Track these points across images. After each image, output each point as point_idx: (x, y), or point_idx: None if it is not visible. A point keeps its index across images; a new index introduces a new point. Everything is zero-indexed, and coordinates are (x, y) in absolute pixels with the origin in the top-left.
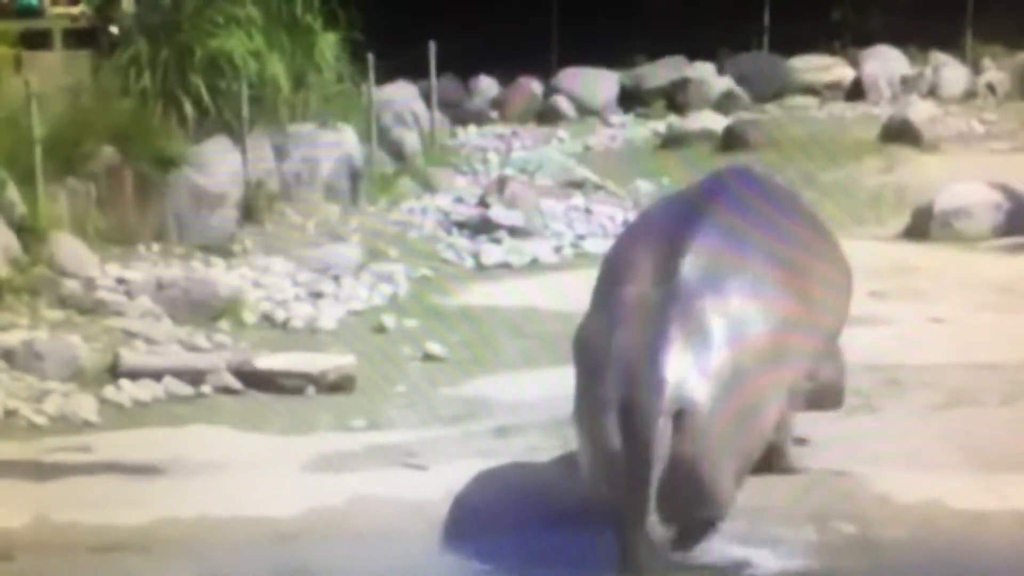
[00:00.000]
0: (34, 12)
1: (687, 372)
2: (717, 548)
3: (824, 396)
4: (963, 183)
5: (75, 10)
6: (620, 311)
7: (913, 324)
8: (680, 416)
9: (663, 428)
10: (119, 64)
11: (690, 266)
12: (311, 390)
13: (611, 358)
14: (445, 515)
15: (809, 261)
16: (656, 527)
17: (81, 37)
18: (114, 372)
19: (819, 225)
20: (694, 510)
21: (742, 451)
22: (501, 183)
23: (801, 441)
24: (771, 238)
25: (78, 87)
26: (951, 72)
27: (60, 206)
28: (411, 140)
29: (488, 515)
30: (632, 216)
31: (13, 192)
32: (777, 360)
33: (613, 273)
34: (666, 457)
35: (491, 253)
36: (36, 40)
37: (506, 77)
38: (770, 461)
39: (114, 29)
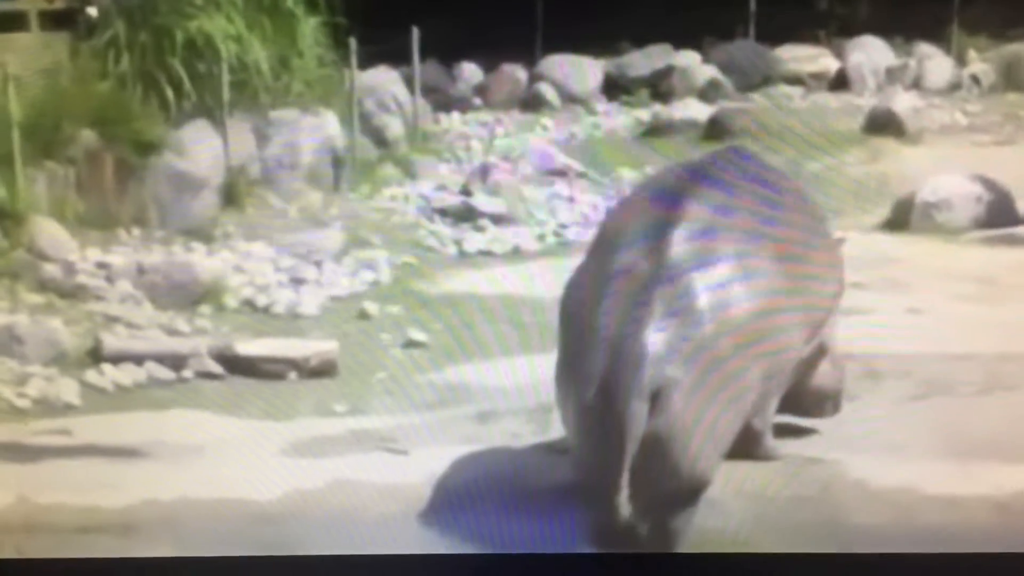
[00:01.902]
0: None
1: (669, 349)
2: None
3: (823, 402)
4: (945, 175)
5: None
6: (609, 279)
7: (892, 314)
8: (659, 393)
9: (641, 404)
10: (97, 47)
11: (679, 243)
12: (293, 375)
13: (595, 329)
14: (425, 498)
15: (799, 243)
16: (626, 503)
17: (58, 19)
18: (96, 356)
19: (811, 208)
20: (671, 486)
21: (720, 429)
22: (484, 170)
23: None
24: (762, 217)
25: (56, 70)
26: (936, 63)
27: (39, 190)
28: (394, 126)
29: (467, 498)
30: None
31: None
32: (760, 341)
33: (605, 240)
34: (643, 433)
35: (473, 240)
36: (11, 22)
37: (490, 63)
38: (749, 448)
39: (92, 11)
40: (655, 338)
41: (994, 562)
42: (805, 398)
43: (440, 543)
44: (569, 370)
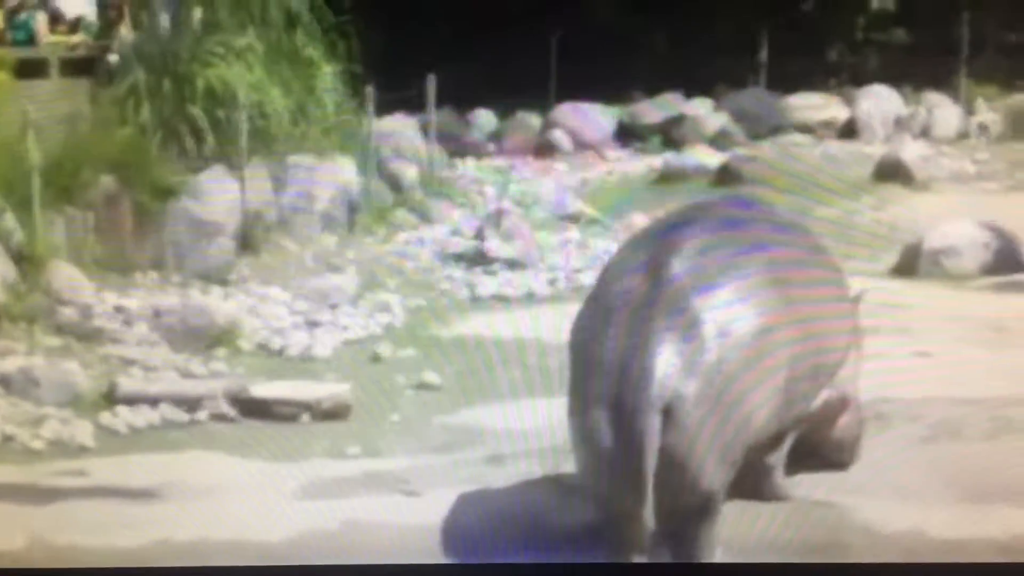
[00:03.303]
0: (30, 41)
1: (676, 367)
2: None
3: (842, 452)
4: (952, 222)
5: (73, 39)
6: (612, 307)
7: (900, 358)
8: (669, 408)
9: (653, 418)
10: (117, 94)
11: (680, 264)
12: (306, 417)
13: (603, 353)
14: (437, 538)
15: (803, 281)
16: (651, 516)
17: (78, 66)
18: (111, 398)
19: (823, 255)
20: (684, 500)
21: (729, 444)
22: (498, 216)
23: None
24: (765, 247)
25: (76, 116)
26: (944, 112)
27: (57, 234)
28: (409, 172)
29: (478, 538)
30: None
31: (11, 220)
32: (763, 359)
33: (610, 270)
34: (660, 448)
35: (487, 285)
36: (33, 69)
37: (504, 111)
38: (760, 485)
39: (112, 58)
40: (660, 355)
41: None
42: (825, 448)
43: None
44: (581, 399)
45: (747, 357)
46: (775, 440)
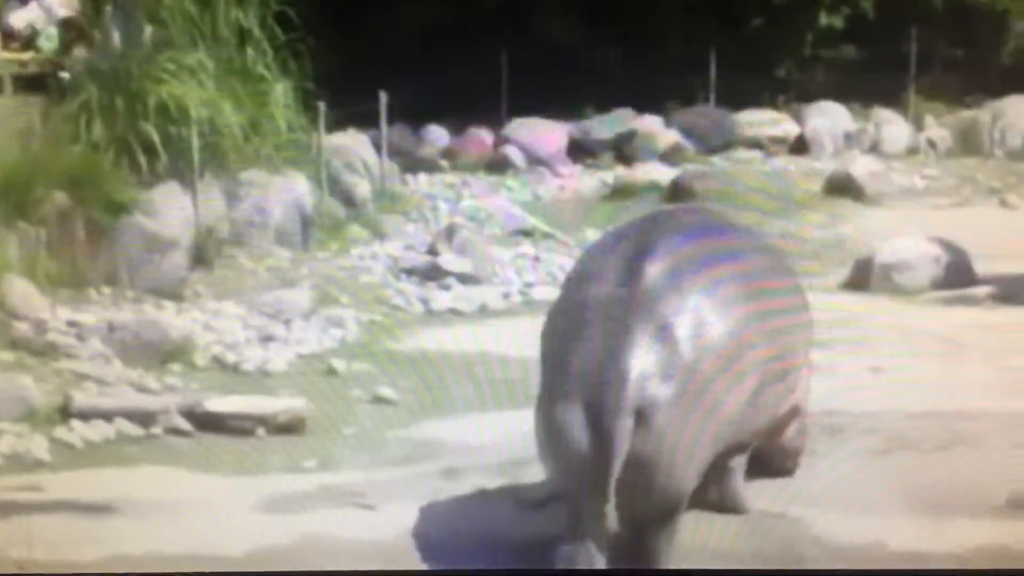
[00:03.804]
0: None
1: (649, 371)
2: None
3: (787, 460)
4: (903, 237)
5: (25, 56)
6: (586, 308)
7: (853, 372)
8: (642, 411)
9: (626, 422)
10: (70, 110)
11: (654, 268)
12: (261, 431)
13: (576, 356)
14: (394, 553)
15: (764, 280)
16: (613, 517)
17: (31, 83)
18: (65, 413)
19: (778, 257)
20: (650, 504)
21: (699, 447)
22: (451, 230)
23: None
24: (733, 254)
25: (29, 133)
26: (893, 128)
27: (11, 250)
28: (362, 187)
29: (435, 552)
30: None
31: None
32: (733, 363)
33: (581, 274)
34: (626, 453)
35: (440, 299)
36: None
37: (456, 126)
38: (722, 494)
39: (64, 75)
40: (636, 359)
41: None
42: (774, 455)
43: None
44: (553, 399)
45: (719, 361)
46: (741, 446)
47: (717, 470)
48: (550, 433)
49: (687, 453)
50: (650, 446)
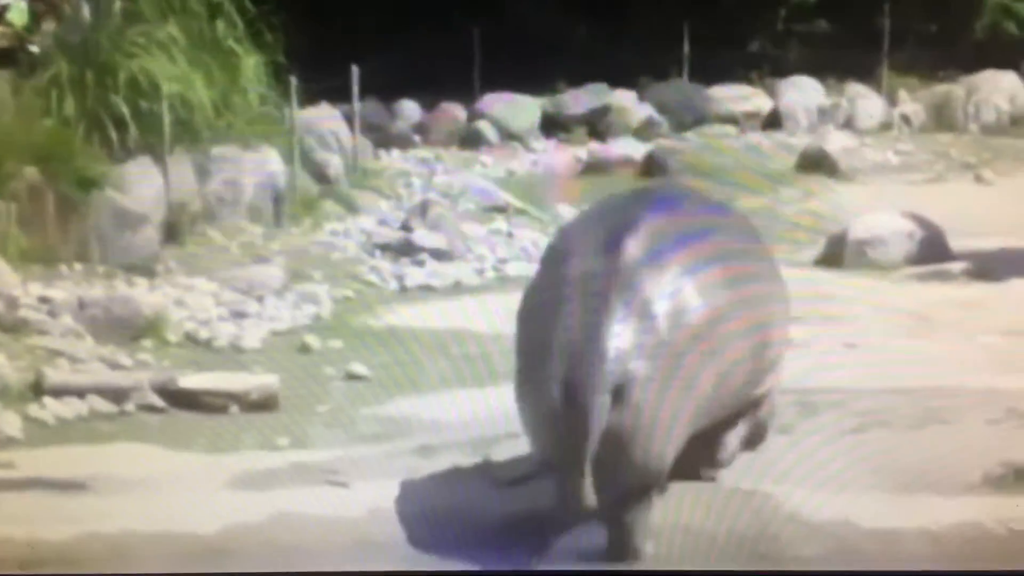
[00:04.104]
0: None
1: (627, 348)
2: None
3: (753, 433)
4: (877, 212)
5: None
6: (565, 284)
7: (826, 349)
8: (621, 388)
9: (603, 398)
10: (40, 85)
11: (634, 244)
12: (234, 408)
13: (554, 331)
14: (368, 530)
15: (742, 257)
16: (590, 493)
17: (0, 57)
18: (37, 390)
19: (754, 234)
20: (629, 480)
21: (677, 425)
22: (424, 206)
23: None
24: (711, 232)
25: None
26: (867, 103)
27: None
28: (334, 163)
29: (410, 530)
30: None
31: None
32: (711, 341)
33: (560, 249)
34: (605, 427)
35: (414, 275)
36: None
37: (429, 101)
38: (711, 451)
39: (34, 49)
40: (615, 336)
41: None
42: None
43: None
44: (531, 373)
45: (697, 339)
46: (721, 424)
47: (709, 439)
48: (527, 409)
49: (664, 430)
50: (627, 423)
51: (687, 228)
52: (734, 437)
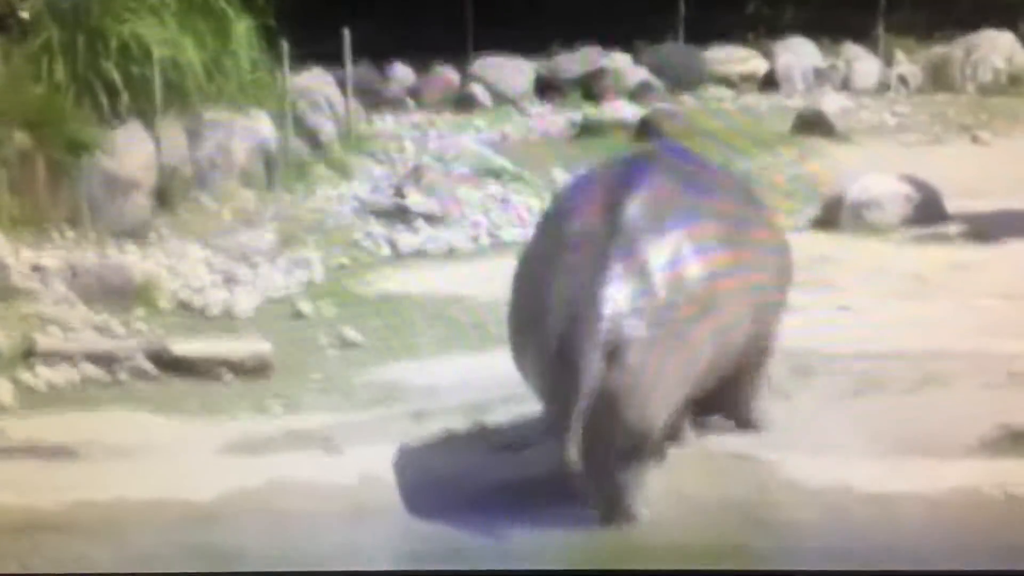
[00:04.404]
0: None
1: (624, 308)
2: None
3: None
4: (874, 175)
5: None
6: (564, 246)
7: (823, 312)
8: (616, 349)
9: (597, 358)
10: (30, 50)
11: (637, 206)
12: (228, 376)
13: (554, 291)
14: (362, 497)
15: (740, 222)
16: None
17: None
18: (30, 357)
19: (753, 197)
20: (620, 438)
21: (671, 389)
22: (417, 171)
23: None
24: (712, 195)
25: None
26: (864, 64)
27: None
28: (327, 127)
29: (404, 496)
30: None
31: None
32: (710, 305)
33: (560, 211)
34: (599, 387)
35: (408, 241)
36: None
37: (422, 65)
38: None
39: (24, 14)
40: (613, 297)
41: None
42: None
43: (375, 542)
44: (527, 329)
45: (695, 302)
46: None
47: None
48: (524, 364)
49: (659, 392)
50: (621, 383)
51: (689, 191)
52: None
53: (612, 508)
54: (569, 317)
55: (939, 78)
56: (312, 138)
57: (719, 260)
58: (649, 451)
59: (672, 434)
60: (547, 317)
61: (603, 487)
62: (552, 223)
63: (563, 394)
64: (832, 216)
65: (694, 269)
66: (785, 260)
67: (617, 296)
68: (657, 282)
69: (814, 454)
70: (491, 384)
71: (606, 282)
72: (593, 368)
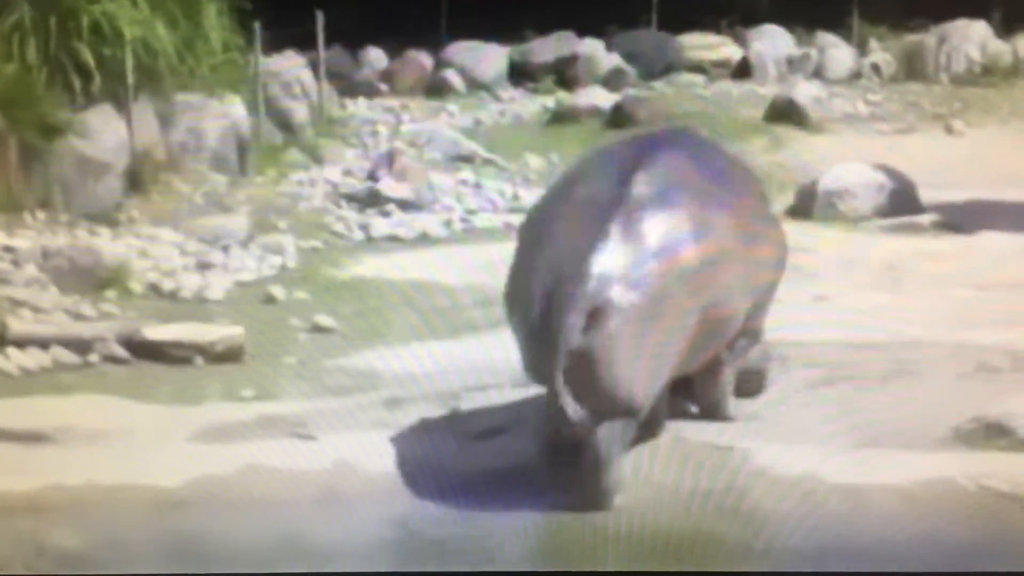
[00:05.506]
0: None
1: (612, 274)
2: None
3: (749, 381)
4: (847, 164)
5: None
6: (568, 207)
7: (797, 302)
8: (597, 311)
9: (576, 318)
10: (2, 30)
11: (646, 179)
12: (199, 360)
13: (549, 247)
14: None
15: (746, 212)
16: (571, 405)
17: None
18: (1, 340)
19: (760, 189)
20: (602, 403)
21: (654, 361)
22: (390, 156)
23: None
24: (725, 183)
25: None
26: (837, 53)
27: None
28: (299, 111)
29: (378, 484)
30: (520, 191)
31: None
32: (703, 286)
33: (571, 175)
34: (576, 347)
35: (380, 226)
36: None
37: (395, 49)
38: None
39: None
40: (603, 260)
41: None
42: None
43: (348, 528)
44: (518, 286)
45: (689, 280)
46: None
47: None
48: (513, 321)
49: (640, 363)
50: (598, 345)
51: (705, 175)
52: (724, 383)
53: (586, 494)
54: (559, 274)
55: (913, 67)
56: (284, 122)
57: (719, 247)
58: (631, 432)
59: (651, 420)
60: (537, 273)
61: (581, 467)
62: (565, 185)
63: (540, 349)
64: (805, 205)
65: (691, 251)
66: (781, 258)
67: (608, 260)
68: (651, 255)
69: (786, 443)
70: (464, 371)
71: (600, 245)
72: (570, 327)
